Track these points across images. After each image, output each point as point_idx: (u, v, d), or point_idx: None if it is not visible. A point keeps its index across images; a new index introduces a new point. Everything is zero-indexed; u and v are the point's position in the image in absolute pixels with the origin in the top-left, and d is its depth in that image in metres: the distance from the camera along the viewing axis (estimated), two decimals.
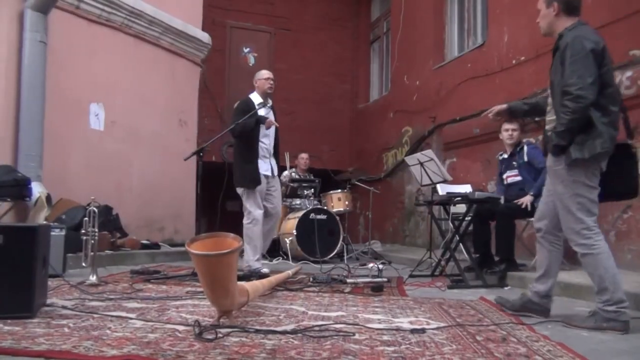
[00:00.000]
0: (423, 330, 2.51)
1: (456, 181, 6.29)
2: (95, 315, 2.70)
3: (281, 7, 11.07)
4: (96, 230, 4.09)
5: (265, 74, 5.23)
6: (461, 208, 5.02)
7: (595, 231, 2.77)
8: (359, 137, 11.24)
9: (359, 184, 8.04)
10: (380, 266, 4.33)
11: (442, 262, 5.03)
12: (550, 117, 2.91)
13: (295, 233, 6.71)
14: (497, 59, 6.84)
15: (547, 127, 2.95)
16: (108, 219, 5.92)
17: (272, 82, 5.18)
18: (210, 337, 2.25)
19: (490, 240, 5.02)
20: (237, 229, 3.63)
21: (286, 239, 6.86)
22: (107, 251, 5.64)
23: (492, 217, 4.94)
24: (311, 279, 4.36)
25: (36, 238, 2.67)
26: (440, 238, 5.47)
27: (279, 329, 2.47)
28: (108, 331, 2.36)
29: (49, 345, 2.07)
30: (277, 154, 5.24)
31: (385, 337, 2.37)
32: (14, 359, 1.93)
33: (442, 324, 2.70)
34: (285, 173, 7.66)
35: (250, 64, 10.56)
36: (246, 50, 10.70)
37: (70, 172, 6.15)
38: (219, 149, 9.78)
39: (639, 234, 4.71)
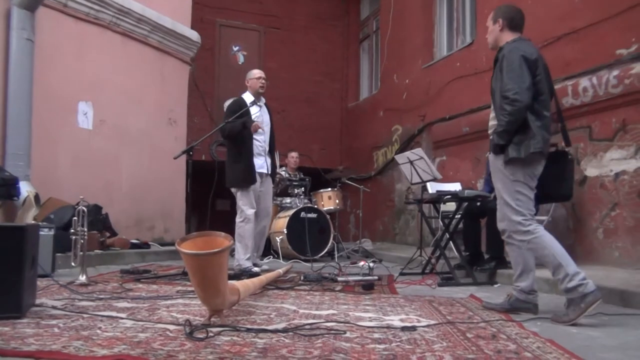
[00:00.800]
0: (414, 328, 2.52)
1: (446, 179, 6.32)
2: (85, 315, 2.68)
3: (271, 5, 11.05)
4: (85, 229, 4.07)
5: (256, 73, 5.22)
6: (451, 206, 5.06)
7: (532, 219, 3.01)
8: (349, 135, 11.25)
9: (349, 182, 8.06)
10: (371, 264, 4.33)
11: (433, 260, 5.07)
12: (492, 121, 3.16)
13: (285, 232, 6.70)
14: (485, 58, 6.87)
15: (489, 130, 3.19)
16: (97, 218, 5.87)
17: (264, 81, 5.18)
18: (201, 336, 2.24)
19: (480, 238, 5.06)
20: (227, 228, 3.62)
21: (277, 238, 6.86)
22: (96, 251, 5.60)
23: (482, 215, 4.98)
24: (302, 278, 4.37)
25: (25, 238, 2.64)
26: (431, 236, 5.50)
27: (270, 327, 2.47)
28: (98, 331, 2.34)
29: (38, 346, 2.05)
30: (272, 152, 5.23)
31: (376, 335, 2.38)
32: (3, 359, 1.92)
33: (433, 322, 2.71)
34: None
35: (240, 63, 10.54)
36: (235, 48, 10.66)
37: (58, 171, 6.10)
38: (208, 147, 9.76)
39: (626, 232, 4.76)
